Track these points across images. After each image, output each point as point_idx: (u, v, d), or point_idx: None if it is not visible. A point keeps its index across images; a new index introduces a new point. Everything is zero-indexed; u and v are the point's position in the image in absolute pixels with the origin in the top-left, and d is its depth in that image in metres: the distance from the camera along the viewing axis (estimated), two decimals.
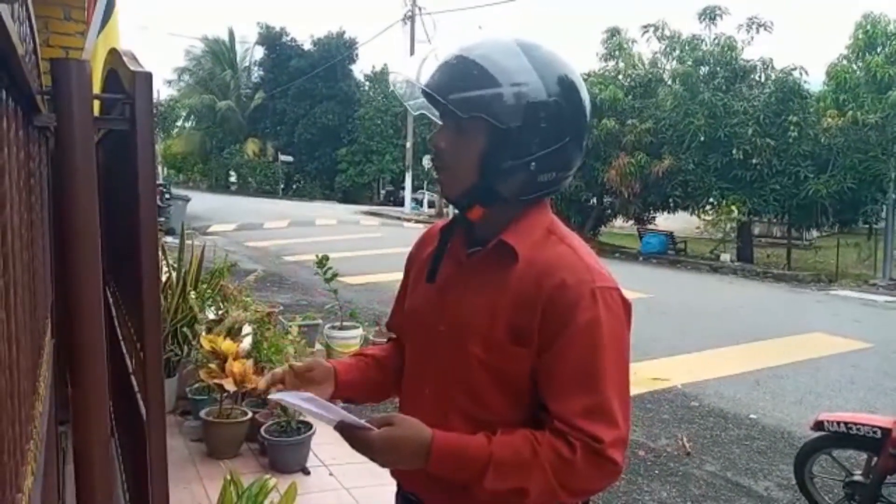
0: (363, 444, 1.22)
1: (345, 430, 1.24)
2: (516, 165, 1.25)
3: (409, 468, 1.26)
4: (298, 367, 1.44)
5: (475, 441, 1.22)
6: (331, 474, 3.83)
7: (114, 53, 1.85)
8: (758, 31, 16.72)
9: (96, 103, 1.95)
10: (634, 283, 10.18)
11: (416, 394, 1.40)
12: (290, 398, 1.29)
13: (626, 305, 1.29)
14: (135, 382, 1.84)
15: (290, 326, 5.20)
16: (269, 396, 1.36)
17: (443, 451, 1.21)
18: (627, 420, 1.24)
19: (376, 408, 4.93)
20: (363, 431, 1.22)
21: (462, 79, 1.23)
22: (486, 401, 1.29)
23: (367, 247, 14.90)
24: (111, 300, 2.68)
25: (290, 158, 38.97)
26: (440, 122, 1.33)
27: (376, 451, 1.22)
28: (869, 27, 14.78)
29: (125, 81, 1.43)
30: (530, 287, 1.25)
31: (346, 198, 35.85)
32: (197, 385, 4.31)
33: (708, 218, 17.67)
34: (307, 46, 38.84)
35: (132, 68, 1.34)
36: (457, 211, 1.41)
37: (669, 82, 17.94)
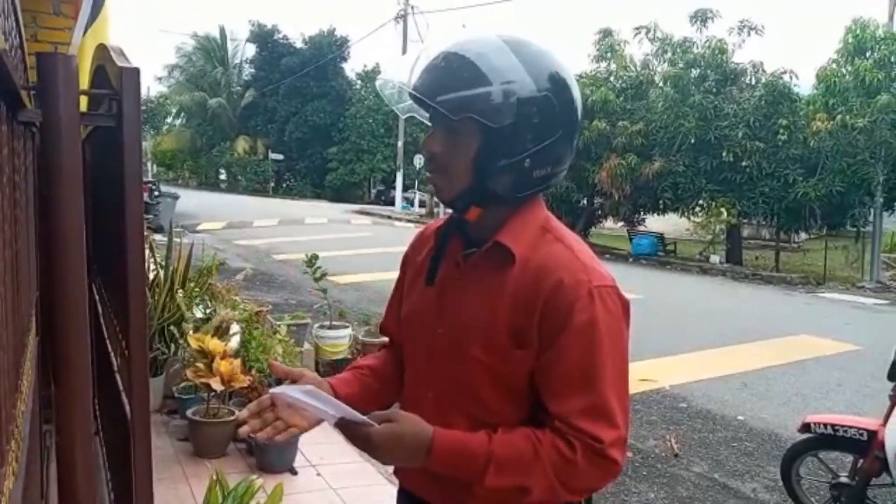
0: (363, 440, 1.21)
1: (345, 426, 1.23)
2: (511, 163, 1.24)
3: (409, 465, 1.25)
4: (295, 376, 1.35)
5: (476, 439, 1.22)
6: (318, 474, 3.82)
7: (102, 49, 1.83)
8: (749, 35, 16.83)
9: (84, 99, 1.93)
10: (624, 283, 10.03)
11: (417, 397, 1.38)
12: (291, 392, 1.25)
13: (624, 304, 1.29)
14: (120, 381, 1.83)
15: (279, 326, 5.18)
16: (270, 391, 1.33)
17: (443, 449, 1.21)
18: (626, 419, 1.24)
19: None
20: (364, 427, 1.21)
21: (450, 80, 1.22)
22: (487, 402, 1.29)
23: (358, 246, 14.88)
24: (97, 298, 2.66)
25: (280, 157, 38.83)
26: (429, 123, 1.33)
27: (376, 447, 1.21)
28: (858, 32, 14.88)
29: (112, 77, 1.42)
30: (528, 288, 1.25)
31: (337, 197, 35.76)
32: (184, 384, 4.29)
33: (698, 220, 17.74)
34: (299, 44, 38.73)
35: (119, 64, 1.33)
36: (449, 211, 1.40)
37: (661, 84, 18.00)
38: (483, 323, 1.28)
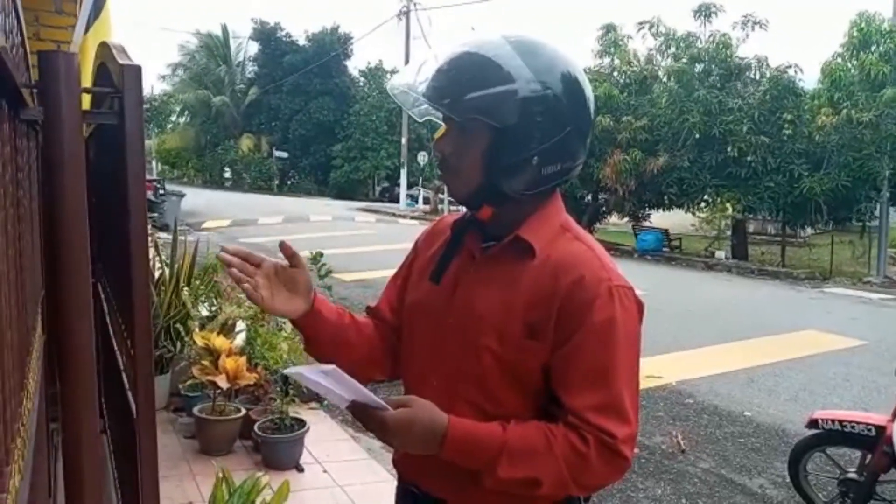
0: (377, 424, 1.22)
1: (358, 409, 1.23)
2: (519, 161, 1.26)
3: (421, 452, 1.25)
4: (282, 268, 1.36)
5: (489, 428, 1.23)
6: (325, 472, 3.82)
7: (104, 47, 1.83)
8: (753, 29, 16.73)
9: (87, 97, 1.93)
10: (630, 279, 10.12)
11: (420, 386, 1.38)
12: (307, 373, 1.24)
13: (640, 305, 1.32)
14: (125, 379, 1.83)
15: (284, 323, 5.18)
16: (285, 371, 1.33)
17: (458, 437, 1.22)
18: (637, 417, 1.26)
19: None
20: (378, 411, 1.21)
21: (455, 83, 1.25)
22: (495, 393, 1.30)
23: (362, 243, 14.88)
24: (103, 296, 2.66)
25: (284, 154, 38.85)
26: (442, 123, 1.35)
27: (390, 432, 1.22)
28: (863, 25, 14.79)
29: (114, 75, 1.41)
30: (547, 283, 1.26)
31: (341, 194, 35.77)
32: (190, 382, 4.29)
33: (703, 215, 17.69)
34: (302, 42, 38.73)
35: (121, 61, 1.32)
36: (457, 207, 1.41)
37: (665, 79, 17.94)
38: (497, 314, 1.29)
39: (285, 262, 1.39)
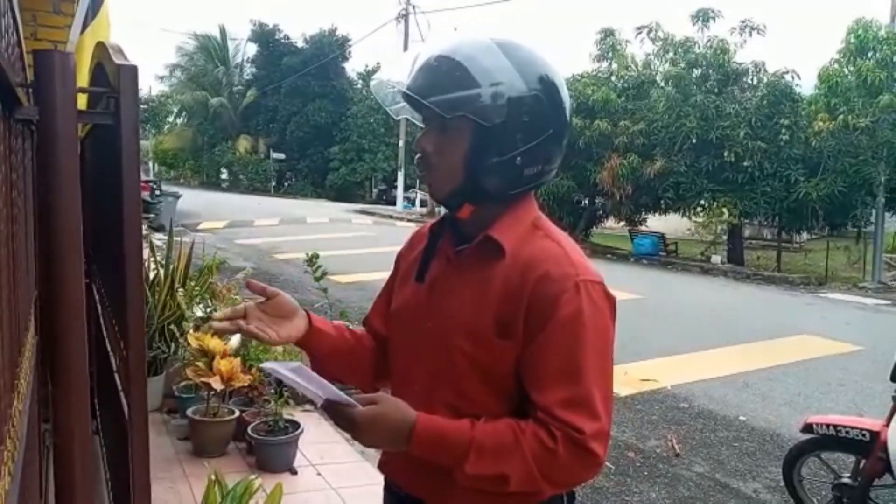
0: (347, 422, 1.23)
1: (330, 407, 1.25)
2: (502, 161, 1.27)
3: (391, 449, 1.26)
4: (263, 304, 1.39)
5: (458, 425, 1.24)
6: (318, 474, 3.81)
7: (101, 47, 1.83)
8: (750, 35, 16.82)
9: (84, 97, 1.93)
10: (625, 283, 10.18)
11: (403, 389, 1.40)
12: (280, 368, 1.27)
13: (611, 300, 1.30)
14: (118, 380, 1.82)
15: None
16: (262, 365, 1.36)
17: (425, 433, 1.22)
18: (609, 414, 1.25)
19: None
20: (348, 408, 1.23)
21: (443, 80, 1.25)
22: (471, 394, 1.30)
23: (359, 245, 14.86)
24: (97, 297, 2.66)
25: (282, 156, 38.82)
26: (422, 125, 1.35)
27: (359, 429, 1.23)
28: (861, 32, 14.86)
29: (110, 75, 1.41)
30: (515, 280, 1.27)
31: (338, 196, 35.74)
32: (184, 383, 4.28)
33: (699, 220, 17.72)
34: (300, 44, 38.71)
35: (117, 61, 1.32)
36: (446, 210, 1.43)
37: (662, 84, 17.98)
38: (469, 315, 1.29)
39: (261, 298, 1.41)
